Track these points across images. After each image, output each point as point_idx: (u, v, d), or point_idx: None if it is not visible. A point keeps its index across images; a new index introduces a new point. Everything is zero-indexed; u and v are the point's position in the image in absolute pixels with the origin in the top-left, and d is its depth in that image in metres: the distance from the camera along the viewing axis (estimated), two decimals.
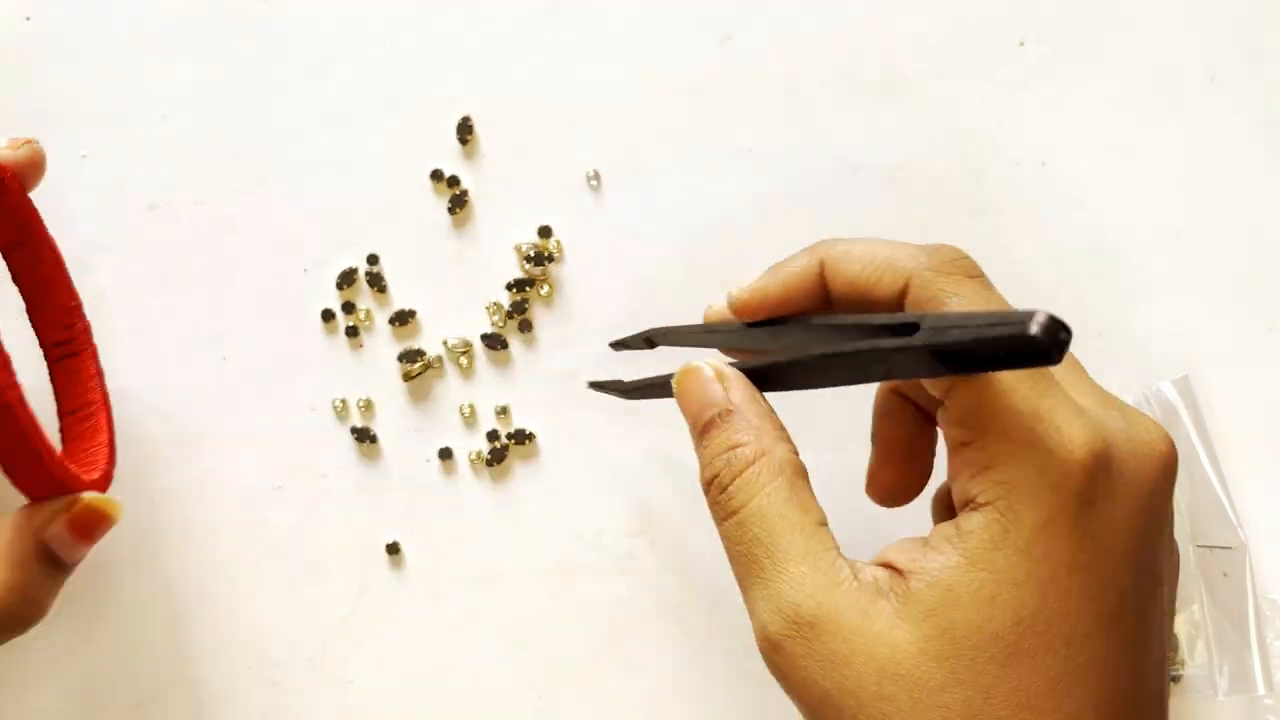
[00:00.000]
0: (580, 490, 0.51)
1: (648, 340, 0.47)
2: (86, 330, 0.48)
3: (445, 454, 0.51)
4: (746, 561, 0.36)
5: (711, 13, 0.52)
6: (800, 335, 0.40)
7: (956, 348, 0.32)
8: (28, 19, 0.51)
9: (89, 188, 0.51)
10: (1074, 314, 0.51)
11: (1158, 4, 0.52)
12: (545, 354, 0.51)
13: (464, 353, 0.51)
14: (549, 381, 0.51)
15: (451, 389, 0.51)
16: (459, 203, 0.51)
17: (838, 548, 0.36)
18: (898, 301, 0.37)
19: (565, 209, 0.51)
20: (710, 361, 0.39)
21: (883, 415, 0.43)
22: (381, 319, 0.51)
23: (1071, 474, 0.33)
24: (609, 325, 0.51)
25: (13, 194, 0.44)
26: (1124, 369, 0.52)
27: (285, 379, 0.51)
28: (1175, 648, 0.50)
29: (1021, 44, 0.52)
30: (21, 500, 0.42)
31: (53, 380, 0.47)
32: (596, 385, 0.48)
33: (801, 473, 0.37)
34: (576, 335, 0.51)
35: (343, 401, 0.51)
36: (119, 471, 0.46)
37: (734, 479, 0.37)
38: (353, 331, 0.51)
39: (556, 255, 0.51)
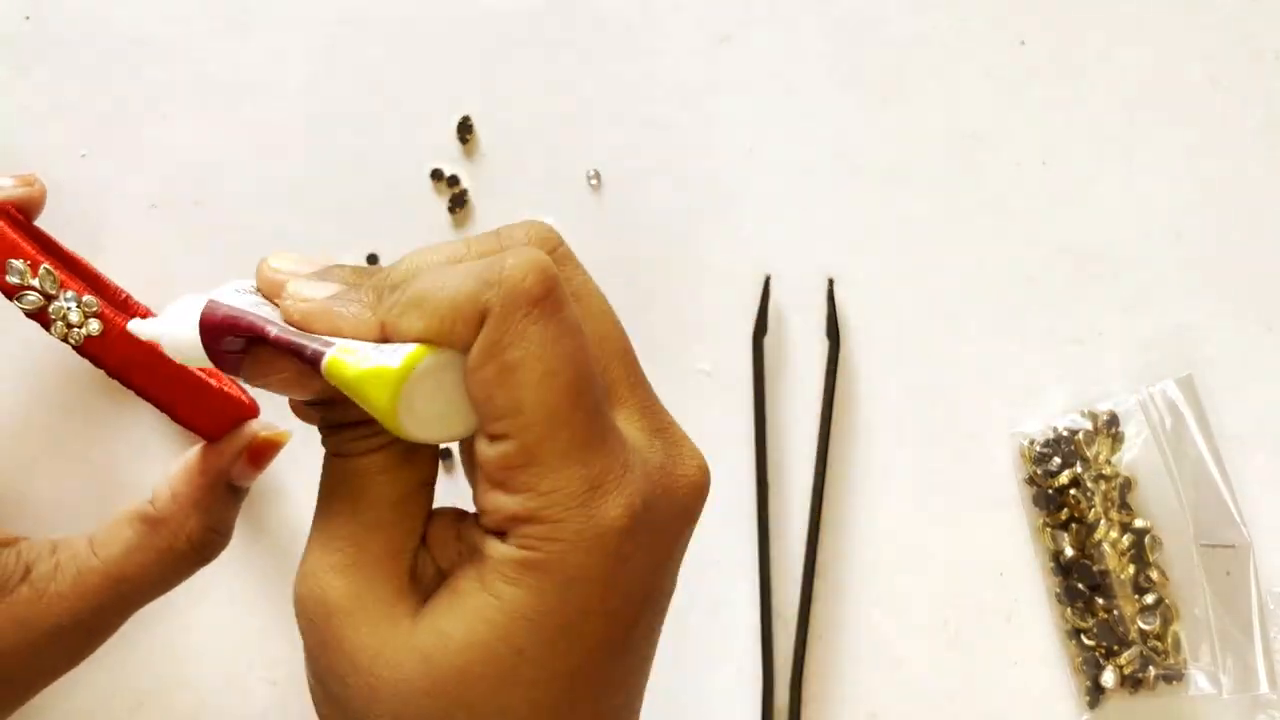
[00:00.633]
0: None
1: None
2: (150, 313, 0.48)
3: (445, 454, 0.51)
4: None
5: (711, 13, 0.52)
6: None
7: None
8: (27, 19, 0.51)
9: (89, 188, 0.50)
10: (1074, 314, 0.52)
11: (1158, 4, 0.52)
12: None
13: None
14: None
15: None
16: (459, 203, 0.51)
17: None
18: None
19: (565, 209, 0.51)
20: None
21: None
22: None
23: (609, 538, 0.32)
24: None
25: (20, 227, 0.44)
26: (1124, 369, 0.52)
27: None
28: (1176, 647, 0.50)
29: (1021, 44, 0.52)
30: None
31: None
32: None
33: None
34: None
35: None
36: (117, 470, 0.46)
37: None
38: None
39: None
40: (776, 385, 0.51)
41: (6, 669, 0.41)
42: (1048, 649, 0.51)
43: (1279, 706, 0.49)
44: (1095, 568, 0.50)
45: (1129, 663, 0.49)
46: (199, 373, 0.44)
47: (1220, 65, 0.52)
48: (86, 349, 0.42)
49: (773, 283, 0.51)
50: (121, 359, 0.42)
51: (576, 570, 0.32)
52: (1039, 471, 0.50)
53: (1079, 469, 0.50)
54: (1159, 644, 0.49)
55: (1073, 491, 0.50)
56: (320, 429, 0.35)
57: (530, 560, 0.32)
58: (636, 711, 0.36)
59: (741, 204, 0.52)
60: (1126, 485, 0.50)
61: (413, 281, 0.32)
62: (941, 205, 0.52)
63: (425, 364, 0.32)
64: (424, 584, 0.34)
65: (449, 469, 0.50)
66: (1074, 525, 0.50)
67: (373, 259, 0.51)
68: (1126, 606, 0.50)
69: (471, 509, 0.34)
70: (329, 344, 0.32)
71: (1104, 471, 0.50)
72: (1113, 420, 0.51)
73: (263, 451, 0.45)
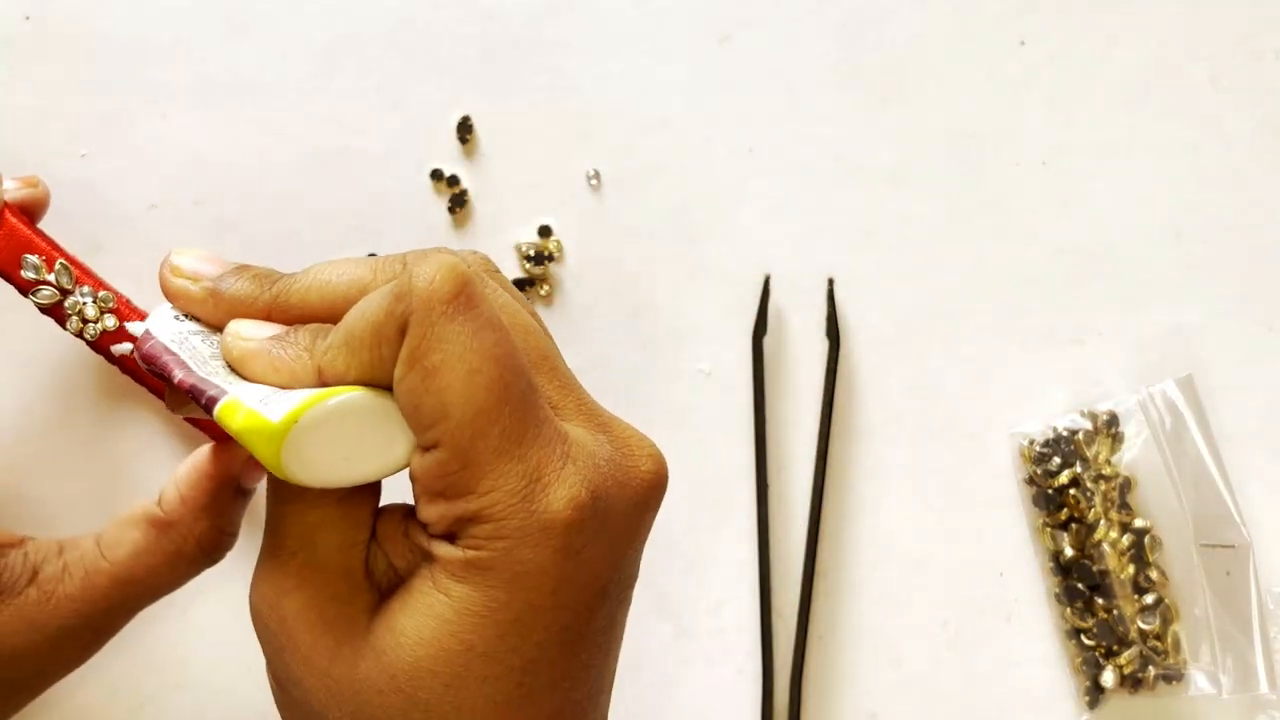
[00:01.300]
0: None
1: None
2: (145, 314, 0.48)
3: None
4: None
5: (711, 13, 0.52)
6: None
7: None
8: (27, 19, 0.51)
9: (89, 188, 0.50)
10: (1074, 314, 0.52)
11: (1158, 4, 0.52)
12: None
13: None
14: None
15: None
16: (459, 203, 0.51)
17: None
18: None
19: (565, 209, 0.51)
20: None
21: None
22: None
23: (554, 531, 0.32)
24: (609, 325, 0.51)
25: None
26: (1124, 369, 0.52)
27: None
28: (1176, 646, 0.50)
29: (1022, 44, 0.52)
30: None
31: None
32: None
33: None
34: (576, 335, 0.51)
35: None
36: (123, 470, 0.46)
37: None
38: None
39: (556, 255, 0.51)
40: (776, 385, 0.51)
41: (15, 670, 0.41)
42: (1047, 649, 0.51)
43: (1279, 706, 0.49)
44: (1095, 568, 0.50)
45: (1129, 663, 0.49)
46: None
47: (1220, 65, 0.52)
48: (102, 344, 0.42)
49: (772, 283, 0.51)
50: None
51: (523, 565, 0.31)
52: (1039, 471, 0.50)
53: (1079, 469, 0.50)
54: (1159, 644, 0.49)
55: (1072, 491, 0.50)
56: None
57: (477, 560, 0.32)
58: (602, 706, 0.36)
59: (741, 204, 0.52)
60: (1126, 485, 0.50)
61: (342, 322, 0.33)
62: (941, 205, 0.52)
63: (314, 414, 0.31)
64: (378, 581, 0.34)
65: None
66: (1074, 525, 0.50)
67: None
68: (1126, 606, 0.50)
69: None
70: (223, 391, 0.33)
71: (1104, 471, 0.50)
72: (1112, 420, 0.51)
73: None
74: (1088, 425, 0.51)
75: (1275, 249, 0.52)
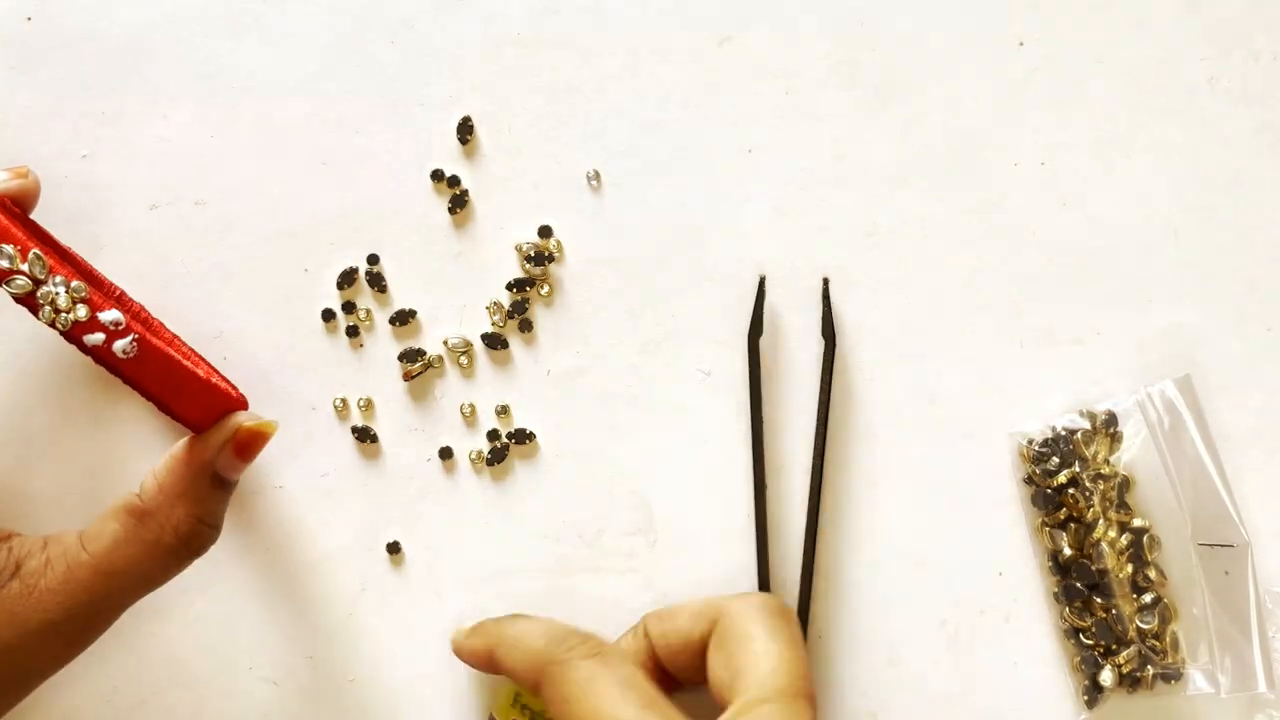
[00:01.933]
0: (580, 490, 0.51)
1: None
2: (143, 309, 0.49)
3: (445, 453, 0.51)
4: None
5: (711, 13, 0.52)
6: None
7: None
8: (28, 19, 0.51)
9: (89, 188, 0.50)
10: (1074, 314, 0.52)
11: (1158, 4, 0.52)
12: (545, 354, 0.51)
13: (464, 352, 0.51)
14: (549, 381, 0.51)
15: (452, 389, 0.51)
16: (459, 203, 0.51)
17: None
18: None
19: (565, 209, 0.51)
20: None
21: None
22: (382, 319, 0.51)
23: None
24: (609, 325, 0.51)
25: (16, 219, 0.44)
26: (1123, 369, 0.52)
27: (286, 378, 0.51)
28: (1175, 646, 0.50)
29: (1021, 44, 0.52)
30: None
31: None
32: None
33: None
34: (576, 335, 0.51)
35: (343, 401, 0.51)
36: (108, 465, 0.46)
37: None
38: (353, 331, 0.51)
39: (556, 255, 0.51)
40: (773, 386, 0.51)
41: (1, 666, 0.42)
42: (1046, 648, 0.51)
43: (1277, 706, 0.50)
44: (1094, 567, 0.50)
45: (1127, 662, 0.49)
46: (186, 363, 0.44)
47: (1219, 65, 0.52)
48: (74, 334, 0.42)
49: (773, 283, 0.51)
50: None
51: None
52: (1037, 471, 0.50)
53: (1077, 468, 0.50)
54: (1157, 643, 0.49)
55: (1071, 491, 0.50)
56: None
57: None
58: None
59: (741, 204, 0.52)
60: (1125, 485, 0.51)
61: None
62: (940, 205, 0.52)
63: None
64: None
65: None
66: (1072, 525, 0.50)
67: (373, 259, 0.51)
68: (1125, 606, 0.50)
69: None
70: None
71: (1102, 471, 0.50)
72: (1111, 420, 0.51)
73: (249, 443, 0.45)
74: (1086, 425, 0.51)
75: (1274, 249, 0.52)
